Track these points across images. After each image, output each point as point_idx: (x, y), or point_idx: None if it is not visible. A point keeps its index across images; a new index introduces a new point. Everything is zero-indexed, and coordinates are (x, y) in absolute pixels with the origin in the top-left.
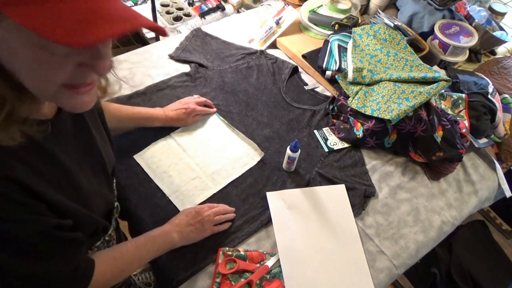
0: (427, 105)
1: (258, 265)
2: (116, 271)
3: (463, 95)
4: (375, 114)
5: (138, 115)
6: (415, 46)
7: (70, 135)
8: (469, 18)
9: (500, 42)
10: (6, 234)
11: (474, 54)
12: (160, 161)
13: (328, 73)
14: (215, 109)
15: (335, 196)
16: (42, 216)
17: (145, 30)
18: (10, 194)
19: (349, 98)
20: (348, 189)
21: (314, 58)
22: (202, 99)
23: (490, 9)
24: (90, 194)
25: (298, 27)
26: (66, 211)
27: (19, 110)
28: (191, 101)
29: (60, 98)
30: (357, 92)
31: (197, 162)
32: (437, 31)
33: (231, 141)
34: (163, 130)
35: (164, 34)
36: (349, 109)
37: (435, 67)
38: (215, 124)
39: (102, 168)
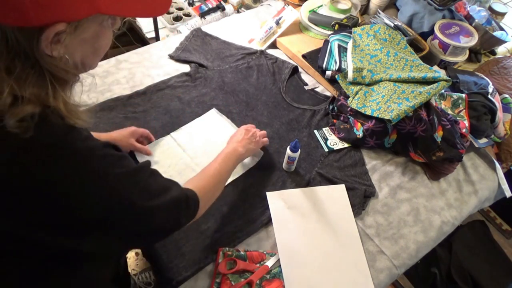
0: (427, 105)
1: (258, 265)
2: (214, 188)
3: (463, 95)
4: (375, 114)
5: None
6: (415, 46)
7: None
8: (469, 18)
9: (500, 42)
10: (137, 182)
11: (474, 54)
12: (160, 161)
13: (328, 73)
14: (150, 153)
15: (335, 196)
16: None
17: (144, 30)
18: (117, 154)
19: (349, 98)
20: (348, 189)
21: (314, 58)
22: (145, 133)
23: (490, 9)
24: None
25: (298, 27)
26: None
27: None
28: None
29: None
30: (357, 92)
31: (197, 163)
32: (437, 31)
33: None
34: (163, 130)
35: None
36: (349, 109)
37: (435, 67)
38: (215, 122)
39: None
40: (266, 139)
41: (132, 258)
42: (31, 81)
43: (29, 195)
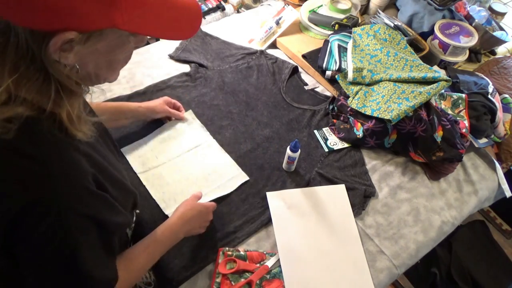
0: (427, 105)
1: (258, 265)
2: (132, 273)
3: (463, 95)
4: (375, 114)
5: (114, 107)
6: (415, 46)
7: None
8: (469, 18)
9: (500, 42)
10: (82, 234)
11: (474, 54)
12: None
13: (328, 73)
14: (183, 116)
15: (335, 196)
16: (115, 214)
17: None
18: (96, 192)
19: (349, 98)
20: (348, 189)
21: (314, 58)
22: (177, 104)
23: (490, 9)
24: (126, 186)
25: (298, 27)
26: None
27: (81, 108)
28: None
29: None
30: (357, 92)
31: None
32: (437, 31)
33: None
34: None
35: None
36: (349, 109)
37: (435, 67)
38: (197, 134)
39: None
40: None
41: None
42: (34, 85)
43: None
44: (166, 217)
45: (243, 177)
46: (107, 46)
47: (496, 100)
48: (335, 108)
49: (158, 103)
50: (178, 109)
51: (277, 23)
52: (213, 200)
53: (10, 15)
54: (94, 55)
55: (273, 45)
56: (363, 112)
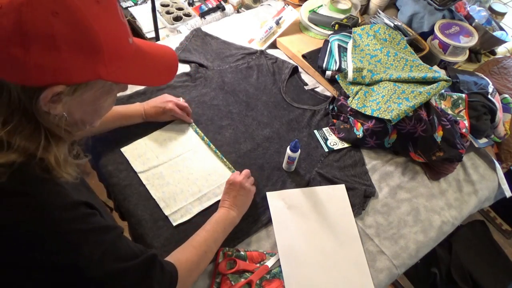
0: (427, 105)
1: (258, 265)
2: (198, 260)
3: (463, 95)
4: (375, 114)
5: (118, 115)
6: (415, 46)
7: None
8: (469, 18)
9: (500, 42)
10: (102, 242)
11: (474, 54)
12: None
13: (328, 73)
14: (191, 120)
15: (335, 196)
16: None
17: (144, 30)
18: (87, 211)
19: (349, 98)
20: (348, 189)
21: (314, 58)
22: (184, 104)
23: (490, 9)
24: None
25: (298, 27)
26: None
27: (66, 151)
28: (171, 101)
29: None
30: (357, 92)
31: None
32: (437, 31)
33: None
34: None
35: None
36: (349, 109)
37: (435, 67)
38: (190, 138)
39: None
40: (254, 187)
41: None
42: (25, 134)
43: None
44: (166, 217)
45: None
46: (93, 96)
47: (496, 100)
48: (335, 108)
49: (155, 113)
50: (184, 108)
51: (277, 23)
52: (214, 202)
53: (3, 73)
54: (81, 104)
55: (273, 45)
56: (363, 112)
